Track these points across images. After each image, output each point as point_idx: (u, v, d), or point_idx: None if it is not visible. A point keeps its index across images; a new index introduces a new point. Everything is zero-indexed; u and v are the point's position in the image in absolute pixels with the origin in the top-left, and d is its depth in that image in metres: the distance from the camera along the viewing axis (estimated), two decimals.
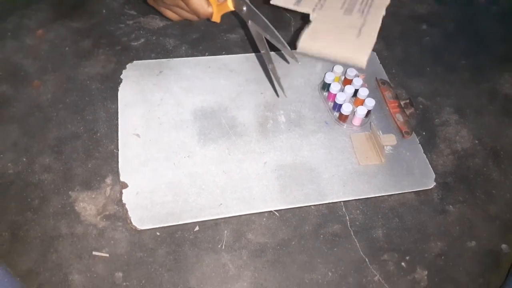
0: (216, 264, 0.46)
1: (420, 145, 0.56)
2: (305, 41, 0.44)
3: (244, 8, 0.49)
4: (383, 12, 0.47)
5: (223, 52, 0.63)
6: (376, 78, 0.62)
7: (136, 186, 0.49)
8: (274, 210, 0.49)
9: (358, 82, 0.58)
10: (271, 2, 0.46)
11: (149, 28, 0.65)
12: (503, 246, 0.50)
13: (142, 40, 0.63)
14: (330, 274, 0.46)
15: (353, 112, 0.56)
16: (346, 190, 0.51)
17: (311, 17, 0.46)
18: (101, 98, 0.56)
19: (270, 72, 0.52)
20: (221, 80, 0.60)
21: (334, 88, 0.57)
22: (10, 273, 0.40)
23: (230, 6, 0.51)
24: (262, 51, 0.50)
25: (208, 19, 0.52)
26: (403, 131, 0.56)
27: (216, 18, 0.52)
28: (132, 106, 0.55)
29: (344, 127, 0.57)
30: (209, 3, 0.50)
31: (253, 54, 0.63)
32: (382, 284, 0.46)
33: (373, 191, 0.52)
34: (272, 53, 0.63)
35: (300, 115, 0.57)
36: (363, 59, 0.43)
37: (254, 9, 0.48)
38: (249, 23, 0.49)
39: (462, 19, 0.74)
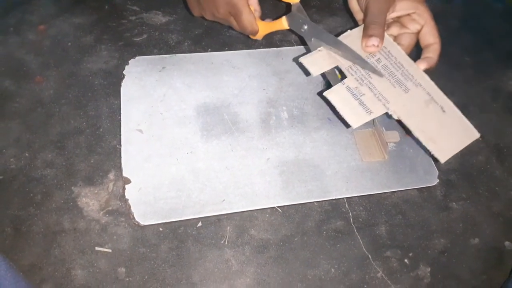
0: (219, 260, 0.45)
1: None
2: (432, 142, 0.44)
3: (305, 27, 0.48)
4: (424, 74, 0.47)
5: (226, 48, 0.63)
6: None
7: (139, 182, 0.49)
8: (277, 206, 0.49)
9: None
10: (353, 127, 0.43)
11: (151, 24, 0.65)
12: (506, 243, 0.50)
13: (145, 35, 0.63)
14: (333, 270, 0.46)
15: None
16: (349, 186, 0.51)
17: (394, 117, 0.44)
18: (104, 94, 0.56)
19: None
20: (224, 76, 0.60)
21: None
22: (13, 268, 0.40)
23: (285, 25, 0.50)
24: (327, 70, 0.46)
25: (248, 36, 0.52)
26: (406, 128, 0.56)
27: (259, 36, 0.52)
28: (135, 101, 0.55)
29: None
30: (257, 23, 0.50)
31: (256, 50, 0.63)
32: (385, 281, 0.46)
33: (376, 188, 0.52)
34: (277, 48, 0.63)
35: (303, 112, 0.57)
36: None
37: (319, 27, 0.47)
38: (312, 41, 0.48)
39: (465, 16, 0.74)
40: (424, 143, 0.43)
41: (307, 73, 0.45)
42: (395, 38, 0.49)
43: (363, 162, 0.53)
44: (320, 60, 0.46)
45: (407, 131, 0.46)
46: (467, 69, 0.66)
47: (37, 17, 0.63)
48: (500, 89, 0.65)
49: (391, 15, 0.47)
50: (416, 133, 0.44)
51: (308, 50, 0.47)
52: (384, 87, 0.45)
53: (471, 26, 0.73)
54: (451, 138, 0.44)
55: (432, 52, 0.47)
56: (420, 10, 0.47)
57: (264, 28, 0.51)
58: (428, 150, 0.44)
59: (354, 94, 0.44)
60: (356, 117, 0.43)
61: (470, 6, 0.76)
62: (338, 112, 0.44)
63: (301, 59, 0.46)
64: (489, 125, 0.60)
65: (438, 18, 0.73)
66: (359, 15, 0.51)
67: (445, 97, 0.46)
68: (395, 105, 0.44)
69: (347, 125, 0.44)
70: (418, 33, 0.48)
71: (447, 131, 0.44)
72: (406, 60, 0.47)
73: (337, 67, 0.46)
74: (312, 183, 0.51)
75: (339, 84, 0.45)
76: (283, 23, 0.50)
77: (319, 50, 0.47)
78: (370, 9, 0.46)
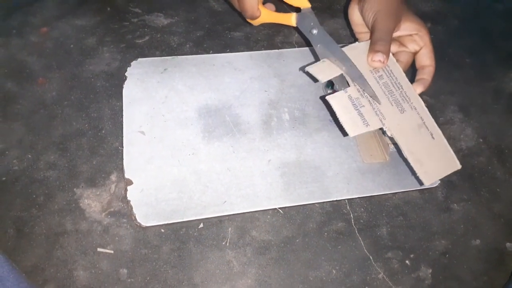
0: (221, 261, 0.46)
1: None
2: (423, 171, 0.45)
3: (315, 31, 0.48)
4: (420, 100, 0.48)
5: (228, 50, 0.63)
6: None
7: (141, 183, 0.49)
8: (278, 208, 0.50)
9: None
10: (350, 135, 0.45)
11: (153, 26, 0.65)
12: (508, 244, 0.50)
13: (147, 37, 0.63)
14: (334, 271, 0.46)
15: None
16: (350, 188, 0.51)
17: (388, 133, 0.45)
18: (106, 96, 0.57)
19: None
20: (226, 78, 0.60)
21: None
22: (15, 269, 0.40)
23: (293, 22, 0.50)
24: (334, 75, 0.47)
25: (245, 19, 0.52)
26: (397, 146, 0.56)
27: (257, 22, 0.52)
28: (137, 103, 0.56)
29: None
30: (259, 8, 0.50)
31: (258, 52, 0.63)
32: (386, 282, 0.46)
33: (378, 189, 0.52)
34: (278, 50, 0.63)
35: (304, 113, 0.57)
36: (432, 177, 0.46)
37: (328, 35, 0.48)
38: (318, 47, 0.48)
39: (466, 16, 0.74)
40: (412, 163, 0.45)
41: (314, 80, 0.47)
42: (393, 55, 0.50)
43: (364, 163, 0.53)
44: (326, 68, 0.47)
45: (397, 149, 0.47)
46: (468, 70, 0.67)
47: (39, 19, 0.64)
48: (501, 90, 0.65)
49: (395, 34, 0.49)
50: (405, 152, 0.45)
51: (313, 51, 0.48)
52: (382, 104, 0.46)
53: (472, 27, 0.73)
54: (436, 164, 0.46)
55: (427, 74, 0.49)
56: (422, 32, 0.49)
57: (268, 16, 0.51)
58: (414, 171, 0.45)
59: (355, 104, 0.45)
60: (354, 127, 0.45)
61: (470, 7, 0.76)
62: (338, 119, 0.45)
63: (308, 69, 0.47)
64: (490, 126, 0.60)
65: (439, 18, 0.74)
66: (358, 28, 0.52)
67: (435, 125, 0.48)
68: (390, 123, 0.46)
69: (344, 133, 0.46)
70: (415, 53, 0.50)
71: (434, 157, 0.46)
72: (405, 82, 0.48)
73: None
74: (313, 185, 0.51)
75: (342, 91, 0.46)
76: (292, 19, 0.50)
77: (323, 61, 0.48)
78: (378, 26, 0.47)
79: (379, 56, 0.46)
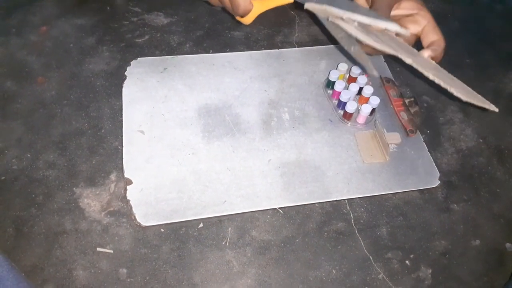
0: (220, 261, 0.46)
1: (424, 143, 0.56)
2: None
3: None
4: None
5: (227, 50, 0.63)
6: (380, 76, 0.62)
7: (141, 183, 0.49)
8: (278, 208, 0.49)
9: (362, 80, 0.57)
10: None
11: (153, 25, 0.65)
12: (507, 245, 0.50)
13: (147, 37, 0.63)
14: (334, 271, 0.46)
15: (358, 110, 0.56)
16: (350, 188, 0.51)
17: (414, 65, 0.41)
18: (106, 95, 0.56)
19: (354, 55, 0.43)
20: (225, 77, 0.60)
21: (339, 86, 0.57)
22: (15, 268, 0.40)
23: None
24: (339, 35, 0.42)
25: (235, 18, 0.50)
26: (407, 130, 0.56)
27: (249, 19, 0.49)
28: (137, 103, 0.55)
29: (349, 125, 0.57)
30: (251, 1, 0.47)
31: (258, 51, 0.63)
32: (386, 282, 0.46)
33: (378, 189, 0.52)
34: (278, 50, 0.63)
35: (304, 113, 0.57)
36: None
37: None
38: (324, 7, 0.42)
39: (466, 17, 0.74)
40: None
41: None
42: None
43: (364, 163, 0.53)
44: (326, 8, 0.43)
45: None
46: (468, 71, 0.67)
47: (39, 18, 0.63)
48: (501, 90, 0.65)
49: (395, 12, 0.47)
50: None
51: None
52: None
53: (472, 27, 0.73)
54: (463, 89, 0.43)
55: (437, 45, 0.46)
56: (423, 11, 0.47)
57: (261, 6, 0.48)
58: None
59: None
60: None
61: (471, 8, 0.76)
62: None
63: (307, 6, 0.42)
64: (490, 127, 0.60)
65: (439, 19, 0.73)
66: (357, 2, 0.48)
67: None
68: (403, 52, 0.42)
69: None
70: (417, 35, 0.47)
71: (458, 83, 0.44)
72: (408, 46, 0.45)
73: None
74: (313, 184, 0.51)
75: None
76: None
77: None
78: (378, 1, 0.45)
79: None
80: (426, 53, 0.45)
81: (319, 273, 0.46)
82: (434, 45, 0.46)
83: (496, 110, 0.44)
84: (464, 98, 0.42)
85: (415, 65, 0.41)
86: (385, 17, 0.43)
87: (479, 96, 0.45)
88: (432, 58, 0.45)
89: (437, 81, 0.41)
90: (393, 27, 0.41)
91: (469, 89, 0.45)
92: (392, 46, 0.42)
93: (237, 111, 0.56)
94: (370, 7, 0.46)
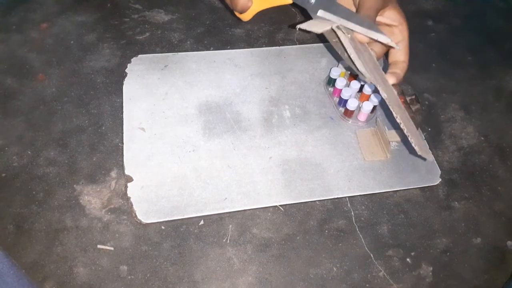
0: (221, 258, 0.45)
1: (426, 141, 0.56)
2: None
3: (312, 0, 0.45)
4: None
5: (228, 47, 0.63)
6: None
7: (141, 180, 0.49)
8: (279, 205, 0.49)
9: None
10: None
11: (154, 22, 0.65)
12: (509, 242, 0.50)
13: (147, 34, 0.63)
14: (335, 269, 0.46)
15: (359, 108, 0.56)
16: (351, 185, 0.51)
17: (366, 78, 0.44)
18: (106, 92, 0.56)
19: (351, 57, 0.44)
20: (226, 74, 0.60)
21: (340, 83, 0.57)
22: (15, 265, 0.40)
23: None
24: (334, 40, 0.45)
25: (235, 14, 0.49)
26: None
27: (247, 16, 0.49)
28: (137, 100, 0.55)
29: (350, 122, 0.57)
30: None
31: (258, 49, 0.63)
32: (387, 280, 0.46)
33: (379, 187, 0.51)
34: (279, 47, 0.63)
35: (305, 111, 0.57)
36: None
37: None
38: (318, 13, 0.45)
39: (468, 15, 0.74)
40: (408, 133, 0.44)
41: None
42: (368, 44, 0.48)
43: (365, 161, 0.53)
44: (318, 23, 0.45)
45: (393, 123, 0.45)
46: (470, 68, 0.66)
47: (39, 15, 0.63)
48: (503, 88, 0.65)
49: (377, 18, 0.47)
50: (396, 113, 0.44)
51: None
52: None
53: (474, 25, 0.73)
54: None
55: (400, 69, 0.48)
56: (403, 26, 0.48)
57: (260, 4, 0.48)
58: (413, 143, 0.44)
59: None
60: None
61: (473, 5, 0.76)
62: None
63: (300, 26, 0.44)
64: (491, 125, 0.60)
65: (441, 17, 0.73)
66: (344, 4, 0.49)
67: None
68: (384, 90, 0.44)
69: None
70: (390, 47, 0.48)
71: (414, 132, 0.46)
72: (379, 68, 0.47)
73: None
74: (314, 182, 0.51)
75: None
76: None
77: (315, 19, 0.45)
78: (366, 4, 0.45)
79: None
80: (390, 80, 0.47)
81: (320, 270, 0.46)
82: (398, 66, 0.48)
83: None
84: (417, 150, 0.45)
85: (387, 102, 0.44)
86: (376, 27, 0.44)
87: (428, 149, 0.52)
88: (395, 83, 0.47)
89: (402, 126, 0.44)
90: (384, 39, 0.43)
91: (423, 142, 0.50)
92: (370, 68, 0.44)
93: (238, 108, 0.56)
94: (357, 10, 0.46)
